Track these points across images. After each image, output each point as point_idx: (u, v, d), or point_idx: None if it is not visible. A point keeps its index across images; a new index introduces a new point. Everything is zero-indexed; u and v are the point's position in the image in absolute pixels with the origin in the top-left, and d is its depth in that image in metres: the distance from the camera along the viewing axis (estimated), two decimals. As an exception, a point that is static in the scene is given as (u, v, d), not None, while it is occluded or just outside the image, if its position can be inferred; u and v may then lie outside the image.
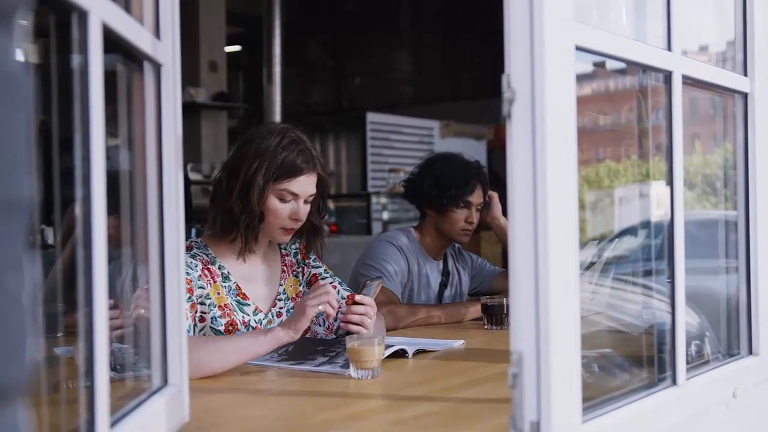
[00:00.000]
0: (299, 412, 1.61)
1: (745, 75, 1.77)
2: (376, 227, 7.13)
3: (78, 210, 1.00)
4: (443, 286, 3.08)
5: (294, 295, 2.34)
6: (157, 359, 1.33)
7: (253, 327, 2.19)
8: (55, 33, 1.04)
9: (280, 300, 2.31)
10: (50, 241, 2.67)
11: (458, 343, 2.31)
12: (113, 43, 1.10)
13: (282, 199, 2.17)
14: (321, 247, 2.37)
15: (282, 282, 2.33)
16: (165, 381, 1.34)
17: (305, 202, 2.21)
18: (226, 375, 1.90)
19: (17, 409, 0.55)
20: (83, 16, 0.98)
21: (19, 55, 0.55)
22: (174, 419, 1.34)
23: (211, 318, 2.12)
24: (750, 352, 1.76)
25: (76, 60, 1.00)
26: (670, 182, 1.49)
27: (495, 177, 4.54)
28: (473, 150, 6.59)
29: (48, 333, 1.35)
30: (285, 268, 2.36)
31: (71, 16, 0.98)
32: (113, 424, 1.06)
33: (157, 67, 1.33)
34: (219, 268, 2.20)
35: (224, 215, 2.18)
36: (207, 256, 2.19)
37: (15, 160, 0.53)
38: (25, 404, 0.57)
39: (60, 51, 1.05)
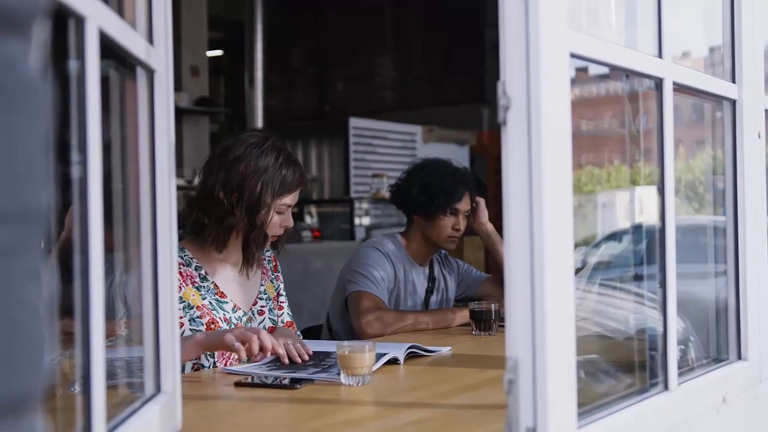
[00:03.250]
0: (291, 420, 1.61)
1: (733, 82, 1.78)
2: (360, 233, 7.12)
3: (74, 216, 0.99)
4: (429, 292, 3.07)
5: (273, 296, 2.43)
6: (150, 367, 1.32)
7: (234, 324, 2.25)
8: (49, 38, 1.03)
9: (261, 299, 2.38)
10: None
11: (446, 350, 2.31)
12: (107, 48, 1.09)
13: (279, 212, 2.27)
14: (284, 243, 2.42)
15: (263, 282, 2.41)
16: (158, 389, 1.33)
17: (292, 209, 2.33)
18: (218, 383, 1.89)
19: (35, 418, 0.54)
20: (80, 22, 0.98)
21: (36, 63, 0.55)
22: (167, 427, 1.33)
23: (190, 319, 2.17)
24: (739, 357, 1.78)
25: (72, 65, 1.00)
26: (662, 188, 1.50)
27: (477, 182, 4.54)
28: (456, 155, 6.60)
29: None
30: (264, 270, 2.44)
31: (68, 21, 0.98)
32: (109, 431, 1.05)
33: (150, 72, 1.32)
34: (196, 269, 2.24)
35: (227, 231, 2.23)
36: (182, 258, 2.21)
37: (33, 169, 0.52)
38: (42, 414, 0.56)
39: (55, 56, 1.04)
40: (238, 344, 1.93)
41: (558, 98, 1.18)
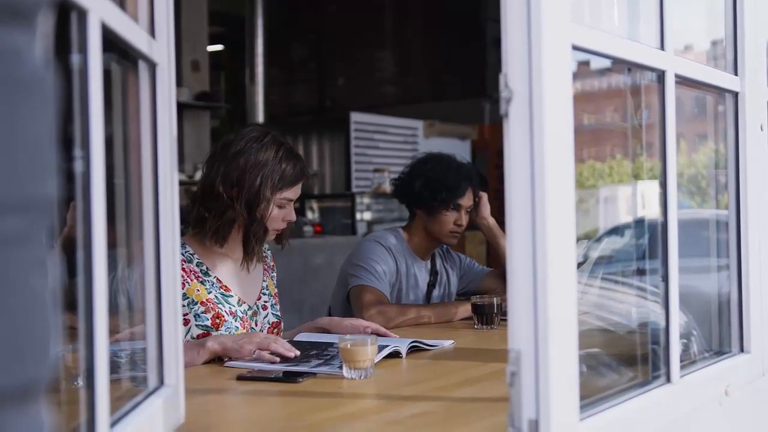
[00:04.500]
0: (293, 413, 1.61)
1: (736, 74, 1.78)
2: (361, 228, 7.12)
3: (77, 211, 0.99)
4: (431, 286, 3.07)
5: (273, 293, 2.44)
6: (153, 360, 1.33)
7: (240, 317, 2.26)
8: (53, 31, 1.03)
9: (264, 294, 2.39)
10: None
11: (448, 343, 2.31)
12: (109, 41, 1.09)
13: (281, 206, 2.27)
14: (287, 238, 2.42)
15: (265, 278, 2.42)
16: (161, 382, 1.33)
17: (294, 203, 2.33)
18: (220, 376, 1.89)
19: (41, 407, 0.55)
20: (83, 14, 0.97)
21: (42, 54, 0.55)
22: (170, 420, 1.33)
23: (195, 315, 2.18)
24: (741, 350, 1.78)
25: (74, 58, 0.99)
26: (664, 182, 1.50)
27: (479, 177, 4.54)
28: (457, 150, 6.60)
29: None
30: (266, 266, 2.45)
31: (70, 14, 0.97)
32: (113, 424, 1.05)
33: (152, 66, 1.32)
34: (197, 265, 2.25)
35: (227, 225, 2.23)
36: (183, 254, 2.21)
37: (39, 159, 0.52)
38: (48, 403, 0.56)
39: (57, 49, 1.03)
40: (259, 352, 1.98)
41: (560, 90, 1.18)
